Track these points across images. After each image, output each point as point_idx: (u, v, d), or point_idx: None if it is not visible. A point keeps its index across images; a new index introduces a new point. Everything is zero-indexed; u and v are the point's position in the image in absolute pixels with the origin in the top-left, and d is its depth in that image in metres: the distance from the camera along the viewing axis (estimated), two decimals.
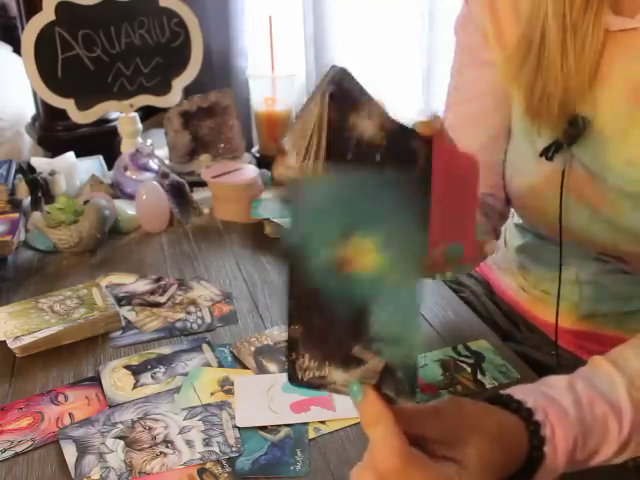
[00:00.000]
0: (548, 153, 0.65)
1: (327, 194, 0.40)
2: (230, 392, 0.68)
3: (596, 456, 0.50)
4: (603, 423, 0.50)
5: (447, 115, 0.80)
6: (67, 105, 1.24)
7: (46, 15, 1.17)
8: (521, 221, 0.84)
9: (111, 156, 1.30)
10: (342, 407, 0.65)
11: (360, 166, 0.46)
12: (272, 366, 0.72)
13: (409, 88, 1.42)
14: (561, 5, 0.60)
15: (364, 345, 0.40)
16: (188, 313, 0.83)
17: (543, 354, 0.77)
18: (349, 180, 0.41)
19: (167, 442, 0.60)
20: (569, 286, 0.74)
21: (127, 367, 0.72)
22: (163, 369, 0.71)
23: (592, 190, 0.65)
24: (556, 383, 0.51)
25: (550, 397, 0.50)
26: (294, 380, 0.42)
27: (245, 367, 0.72)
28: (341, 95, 0.47)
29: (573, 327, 0.75)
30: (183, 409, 0.64)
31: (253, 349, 0.75)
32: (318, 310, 0.41)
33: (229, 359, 0.73)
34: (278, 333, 0.78)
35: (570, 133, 0.63)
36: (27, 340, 0.74)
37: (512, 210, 0.89)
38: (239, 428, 0.62)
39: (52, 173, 1.16)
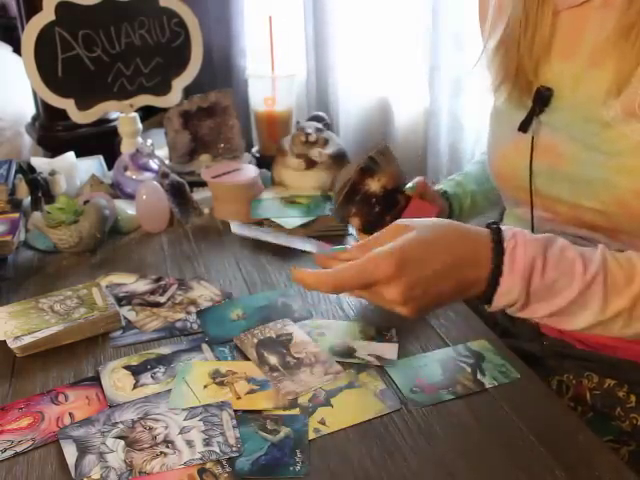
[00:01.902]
0: (523, 126, 0.72)
1: None
2: (223, 384, 0.68)
3: (557, 294, 0.58)
4: (569, 263, 0.58)
5: None
6: (67, 105, 1.24)
7: (46, 15, 1.17)
8: (508, 210, 0.88)
9: (111, 156, 1.30)
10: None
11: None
12: (272, 358, 0.72)
13: (414, 86, 1.41)
14: None
15: None
16: (188, 313, 0.83)
17: (535, 345, 0.78)
18: None
19: (167, 442, 0.60)
20: None
21: (127, 367, 0.72)
22: (163, 369, 0.71)
23: (555, 152, 0.71)
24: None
25: (524, 231, 0.59)
26: None
27: (247, 358, 0.73)
28: (368, 167, 0.81)
29: None
30: (183, 409, 0.65)
31: (256, 341, 0.75)
32: None
33: (229, 359, 0.73)
34: (281, 326, 0.78)
35: (537, 104, 0.71)
36: (27, 340, 0.75)
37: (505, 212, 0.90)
38: (239, 428, 0.62)
39: (52, 173, 1.16)
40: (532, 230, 0.77)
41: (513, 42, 0.71)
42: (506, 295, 0.58)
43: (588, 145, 0.67)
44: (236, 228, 0.66)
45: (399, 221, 0.61)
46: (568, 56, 0.69)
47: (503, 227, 0.60)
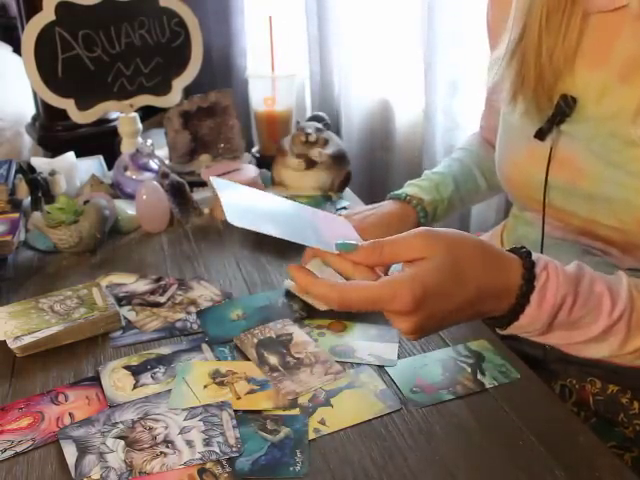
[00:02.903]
0: (541, 134, 0.68)
1: None
2: (223, 384, 0.68)
3: (580, 328, 0.54)
4: (598, 299, 0.54)
5: None
6: (67, 105, 1.24)
7: (46, 15, 1.17)
8: (516, 211, 0.85)
9: (111, 156, 1.31)
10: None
11: None
12: (272, 358, 0.72)
13: (415, 87, 1.41)
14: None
15: None
16: (188, 313, 0.83)
17: (536, 348, 0.78)
18: None
19: (167, 442, 0.60)
20: None
21: (127, 367, 0.72)
22: (163, 369, 0.71)
23: (574, 166, 0.67)
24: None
25: (555, 262, 0.54)
26: None
27: (247, 358, 0.73)
28: None
29: None
30: (183, 409, 0.64)
31: (256, 341, 0.75)
32: None
33: (229, 359, 0.73)
34: (281, 326, 0.78)
35: (558, 113, 0.66)
36: (27, 340, 0.75)
37: (512, 212, 0.89)
38: (239, 428, 0.62)
39: (52, 173, 1.16)
40: (542, 238, 0.73)
41: (532, 47, 0.65)
42: (525, 327, 0.54)
43: (611, 162, 0.64)
44: (221, 187, 0.54)
45: (424, 230, 0.52)
46: (595, 66, 0.64)
47: (534, 256, 0.54)
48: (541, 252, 0.73)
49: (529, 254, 0.54)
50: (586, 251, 0.72)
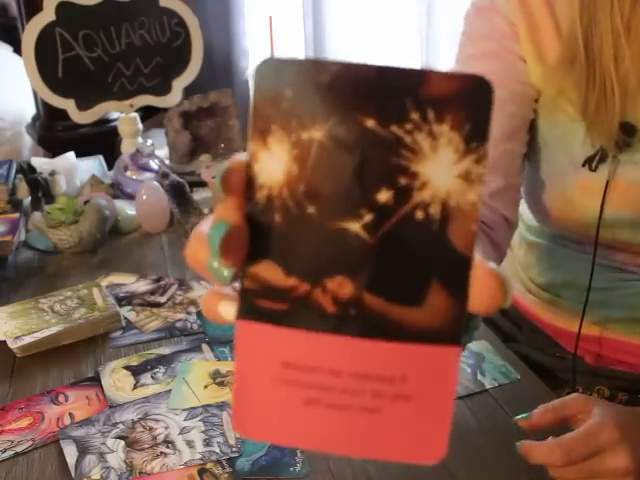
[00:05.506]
0: (592, 163, 0.61)
1: None
2: (223, 384, 0.68)
3: None
4: None
5: None
6: (67, 105, 1.24)
7: (46, 15, 1.17)
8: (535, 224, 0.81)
9: (111, 156, 1.30)
10: None
11: None
12: None
13: None
14: (608, 3, 0.55)
15: None
16: (188, 313, 0.83)
17: (544, 355, 0.77)
18: None
19: (167, 442, 0.60)
20: (577, 291, 0.72)
21: (127, 367, 0.72)
22: (163, 369, 0.71)
23: (634, 197, 0.62)
24: None
25: None
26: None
27: None
28: None
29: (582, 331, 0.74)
30: (184, 410, 0.64)
31: None
32: None
33: (229, 359, 0.73)
34: None
35: (621, 141, 0.59)
36: (27, 340, 0.74)
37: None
38: None
39: (52, 173, 1.16)
40: (591, 275, 0.67)
41: (608, 56, 0.56)
42: None
43: None
44: None
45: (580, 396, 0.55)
46: None
47: None
48: (589, 288, 0.68)
49: None
50: (619, 269, 0.70)
